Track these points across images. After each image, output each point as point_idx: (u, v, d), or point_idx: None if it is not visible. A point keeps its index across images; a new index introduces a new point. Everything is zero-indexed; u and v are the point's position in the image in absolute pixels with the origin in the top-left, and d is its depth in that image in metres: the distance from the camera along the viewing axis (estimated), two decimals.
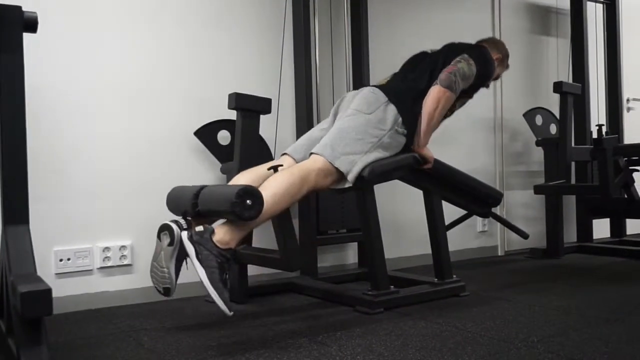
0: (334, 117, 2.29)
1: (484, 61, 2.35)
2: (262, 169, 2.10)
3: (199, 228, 1.76)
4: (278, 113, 2.71)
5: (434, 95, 2.21)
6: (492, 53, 2.45)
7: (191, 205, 1.86)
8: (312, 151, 2.08)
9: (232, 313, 1.72)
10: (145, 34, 2.45)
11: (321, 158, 2.03)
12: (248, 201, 1.71)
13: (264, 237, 2.64)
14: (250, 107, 2.34)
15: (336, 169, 2.03)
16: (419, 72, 2.32)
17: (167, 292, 1.76)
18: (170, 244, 1.74)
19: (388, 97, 2.19)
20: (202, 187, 1.88)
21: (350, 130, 2.10)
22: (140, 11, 2.44)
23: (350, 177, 2.04)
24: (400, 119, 2.17)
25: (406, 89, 2.25)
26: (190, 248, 1.73)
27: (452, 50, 2.36)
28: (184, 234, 1.74)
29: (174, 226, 1.75)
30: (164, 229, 1.78)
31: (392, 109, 2.17)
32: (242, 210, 1.70)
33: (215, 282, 1.70)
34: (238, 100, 2.31)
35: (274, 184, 1.89)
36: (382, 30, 3.16)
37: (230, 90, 2.61)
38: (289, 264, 1.98)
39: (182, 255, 1.75)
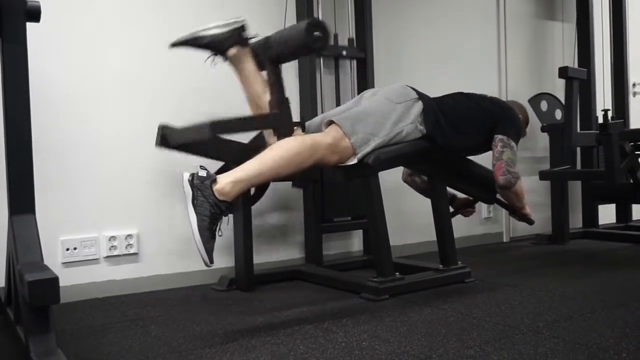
0: (355, 104, 2.28)
1: (519, 132, 2.39)
2: None
3: (202, 173, 1.76)
4: None
5: (513, 193, 2.35)
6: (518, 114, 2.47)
7: (264, 53, 2.07)
8: (333, 119, 2.08)
9: (212, 265, 1.72)
10: (146, 23, 2.44)
11: (334, 132, 2.04)
12: (316, 33, 1.91)
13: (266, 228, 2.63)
14: None
15: (350, 145, 2.03)
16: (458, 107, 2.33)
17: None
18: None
19: (419, 95, 2.24)
20: (269, 36, 2.10)
21: (375, 113, 2.13)
22: (141, 0, 2.44)
23: (360, 155, 2.05)
24: (422, 117, 2.19)
25: (437, 107, 2.27)
26: (188, 191, 1.73)
27: (488, 116, 2.35)
28: (186, 175, 1.75)
29: (200, 171, 1.77)
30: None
31: (419, 105, 2.21)
32: (312, 41, 1.91)
33: (203, 230, 1.70)
34: None
35: (285, 146, 1.91)
36: (385, 18, 3.14)
37: (230, 83, 2.59)
38: None
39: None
